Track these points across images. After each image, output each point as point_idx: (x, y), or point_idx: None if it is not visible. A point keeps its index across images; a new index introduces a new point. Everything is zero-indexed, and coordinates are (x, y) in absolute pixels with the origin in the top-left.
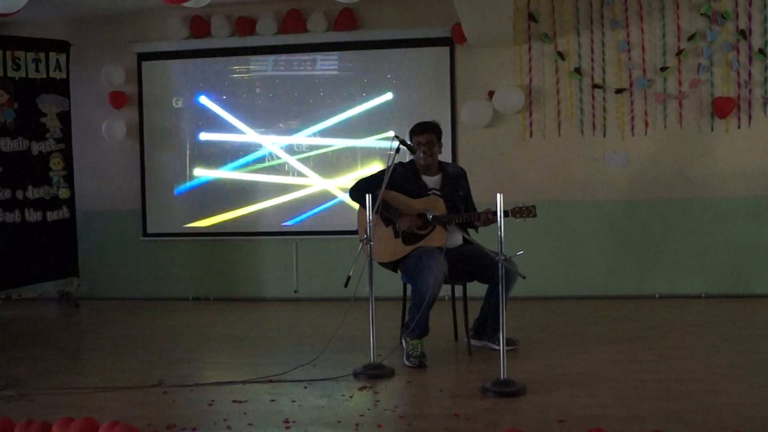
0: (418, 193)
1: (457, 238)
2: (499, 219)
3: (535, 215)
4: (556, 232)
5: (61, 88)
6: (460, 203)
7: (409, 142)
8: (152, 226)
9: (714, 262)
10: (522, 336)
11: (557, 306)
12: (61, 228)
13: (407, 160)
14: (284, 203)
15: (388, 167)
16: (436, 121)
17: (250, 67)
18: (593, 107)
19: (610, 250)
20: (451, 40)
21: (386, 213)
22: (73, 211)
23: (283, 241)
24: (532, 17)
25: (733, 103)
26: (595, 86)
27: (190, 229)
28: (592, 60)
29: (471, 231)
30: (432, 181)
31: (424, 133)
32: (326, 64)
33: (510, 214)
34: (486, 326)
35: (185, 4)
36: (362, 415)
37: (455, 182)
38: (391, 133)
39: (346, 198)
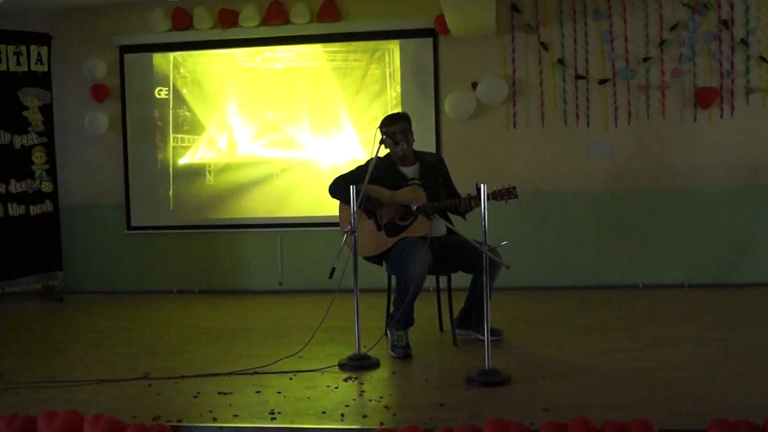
0: (397, 185)
1: (440, 227)
2: (482, 208)
3: (516, 196)
4: (540, 223)
5: (43, 82)
6: (440, 191)
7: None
8: (136, 220)
9: (697, 251)
10: (507, 326)
11: (541, 296)
12: (44, 222)
13: (383, 155)
14: (269, 194)
15: (371, 160)
16: (404, 112)
17: (234, 58)
18: (576, 98)
19: (594, 240)
20: (435, 32)
21: (368, 205)
22: (56, 204)
23: (268, 233)
24: (515, 8)
25: (715, 93)
26: (578, 77)
27: (175, 222)
28: (576, 51)
29: (455, 220)
30: (410, 171)
31: (397, 123)
32: (309, 56)
33: (491, 197)
34: (471, 316)
35: None
36: (347, 406)
37: (434, 170)
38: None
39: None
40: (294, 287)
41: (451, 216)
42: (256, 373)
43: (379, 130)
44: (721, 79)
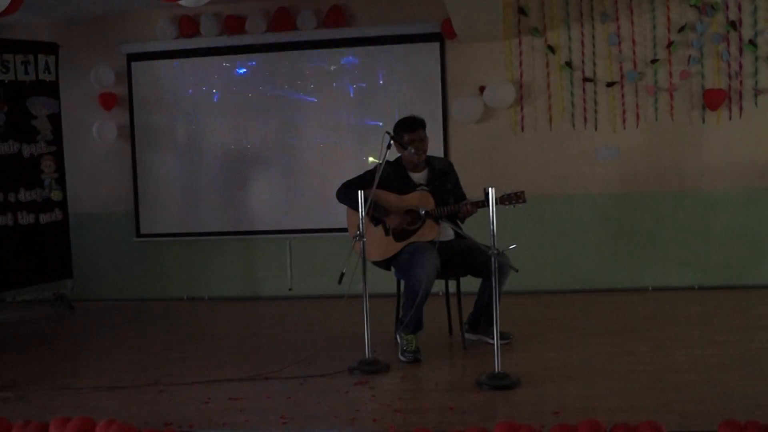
0: (405, 190)
1: (449, 232)
2: (491, 212)
3: (524, 201)
4: (549, 226)
5: (51, 90)
6: (448, 197)
7: (400, 139)
8: (145, 227)
9: (706, 253)
10: (516, 329)
11: (551, 299)
12: (54, 230)
13: (393, 158)
14: (278, 200)
15: (379, 165)
16: (422, 117)
17: (241, 65)
18: (584, 101)
19: (603, 243)
20: (441, 36)
21: (375, 212)
22: (65, 213)
23: (277, 239)
24: (521, 11)
25: (723, 94)
26: (585, 80)
27: (184, 229)
28: (583, 53)
29: (463, 225)
30: (418, 176)
31: (418, 131)
32: (316, 62)
33: (499, 202)
34: (480, 320)
35: (180, 2)
36: (358, 410)
37: (442, 176)
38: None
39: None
40: (303, 293)
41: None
42: (266, 378)
43: (387, 134)
44: (730, 81)
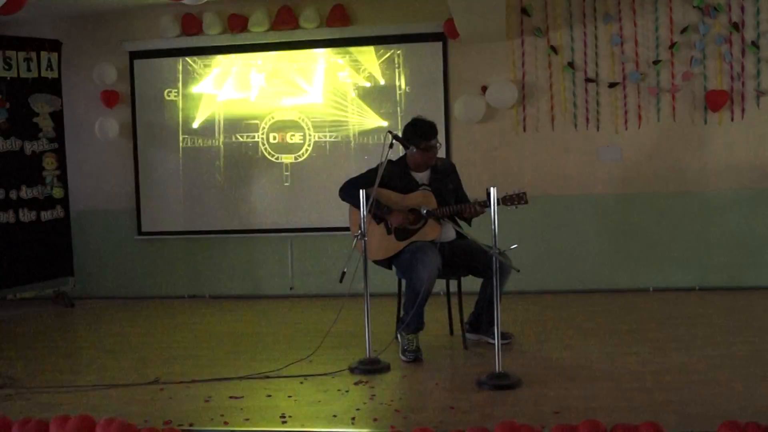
0: (408, 189)
1: (450, 232)
2: (492, 212)
3: (526, 201)
4: (551, 226)
5: (53, 88)
6: (449, 197)
7: (416, 144)
8: (147, 225)
9: (707, 254)
10: (517, 329)
11: (552, 300)
12: (55, 227)
13: (396, 157)
14: (280, 199)
15: (381, 164)
16: (433, 120)
17: (243, 63)
18: (586, 101)
19: (605, 244)
20: (444, 36)
21: (377, 210)
22: (67, 210)
23: (278, 238)
24: (524, 11)
25: (726, 96)
26: (588, 80)
27: (185, 227)
28: (585, 54)
29: (464, 225)
30: (421, 176)
31: (436, 137)
32: (318, 60)
33: (501, 203)
34: (481, 320)
35: (183, 0)
36: (358, 410)
37: (444, 176)
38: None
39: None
40: (305, 292)
41: (460, 221)
42: (267, 377)
43: (389, 133)
44: (732, 82)
